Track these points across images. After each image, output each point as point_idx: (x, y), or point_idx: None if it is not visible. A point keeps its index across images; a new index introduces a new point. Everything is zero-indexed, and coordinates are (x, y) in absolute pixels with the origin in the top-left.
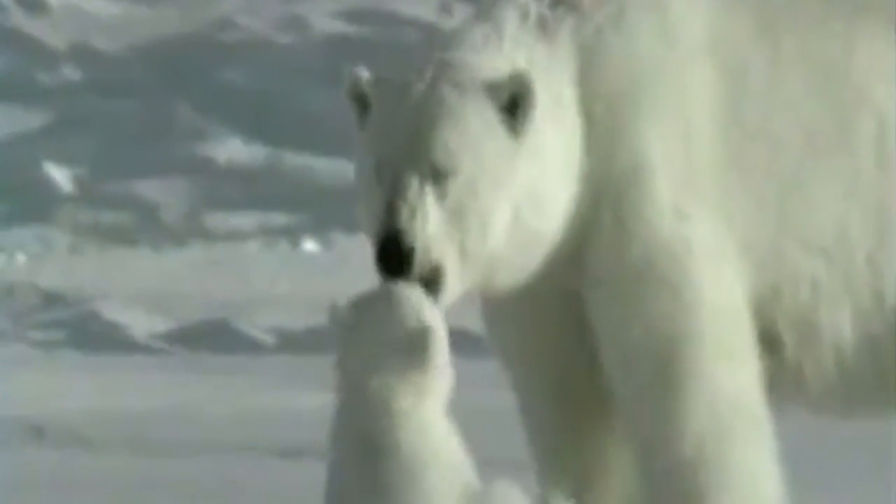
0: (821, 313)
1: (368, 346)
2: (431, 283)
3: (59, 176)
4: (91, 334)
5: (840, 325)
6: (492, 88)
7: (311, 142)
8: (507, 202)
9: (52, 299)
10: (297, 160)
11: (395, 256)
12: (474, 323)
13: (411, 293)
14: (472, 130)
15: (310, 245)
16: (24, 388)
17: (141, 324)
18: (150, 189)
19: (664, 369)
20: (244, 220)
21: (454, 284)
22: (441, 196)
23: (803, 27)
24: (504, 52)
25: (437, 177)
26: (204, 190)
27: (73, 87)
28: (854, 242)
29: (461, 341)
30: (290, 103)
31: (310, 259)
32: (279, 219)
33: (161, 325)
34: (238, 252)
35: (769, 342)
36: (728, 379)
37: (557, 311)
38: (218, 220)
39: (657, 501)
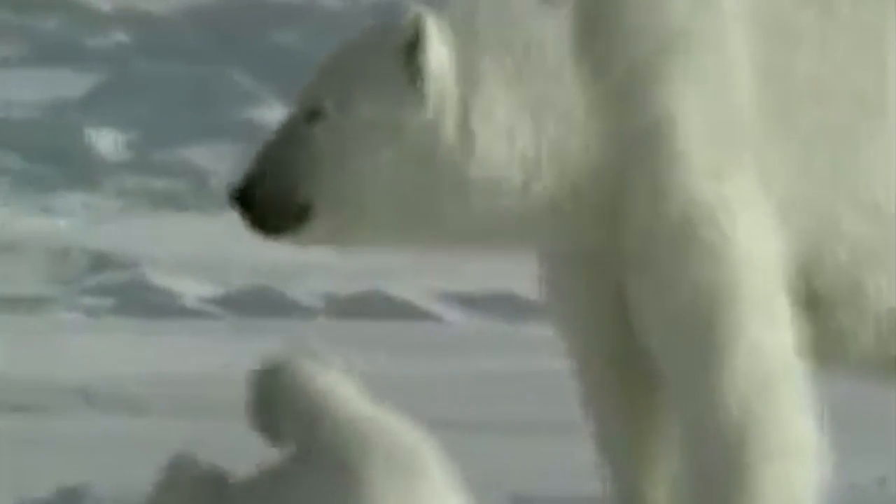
0: (864, 275)
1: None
2: (289, 223)
3: (108, 141)
4: (140, 299)
5: (883, 287)
6: (392, 31)
7: None
8: (389, 152)
9: (101, 264)
10: None
11: (244, 198)
12: (522, 286)
13: (303, 369)
14: (352, 73)
15: None
16: (74, 354)
17: (190, 289)
18: (199, 155)
19: (706, 331)
20: None
21: (324, 230)
22: (310, 137)
23: None
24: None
25: (309, 117)
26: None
27: (122, 51)
28: None
29: (507, 305)
30: None
31: None
32: None
33: (210, 290)
34: None
35: (811, 303)
36: (769, 337)
37: (605, 275)
38: None
39: (701, 465)
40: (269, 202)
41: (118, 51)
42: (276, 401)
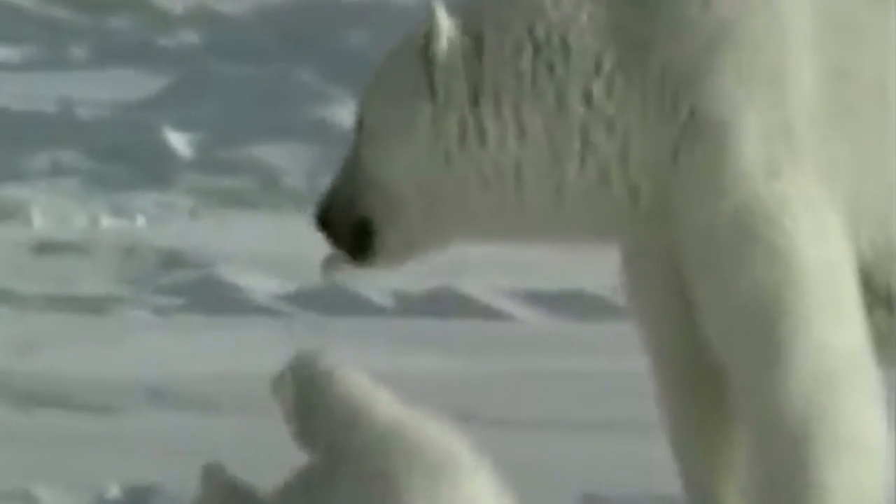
0: None
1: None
2: (362, 241)
3: (179, 141)
4: (211, 297)
5: None
6: (418, 29)
7: None
8: (409, 150)
9: (171, 262)
10: None
11: (320, 221)
12: (593, 284)
13: (338, 372)
14: (380, 77)
15: None
16: (145, 352)
17: (261, 286)
18: (270, 153)
19: (769, 330)
20: None
21: (390, 242)
22: (356, 149)
23: None
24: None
25: (357, 130)
26: (324, 154)
27: (193, 51)
28: None
29: (578, 303)
30: None
31: None
32: None
33: (281, 287)
34: None
35: (883, 300)
36: (834, 333)
37: (674, 272)
38: None
39: (768, 464)
40: (337, 221)
41: (189, 51)
42: (311, 405)
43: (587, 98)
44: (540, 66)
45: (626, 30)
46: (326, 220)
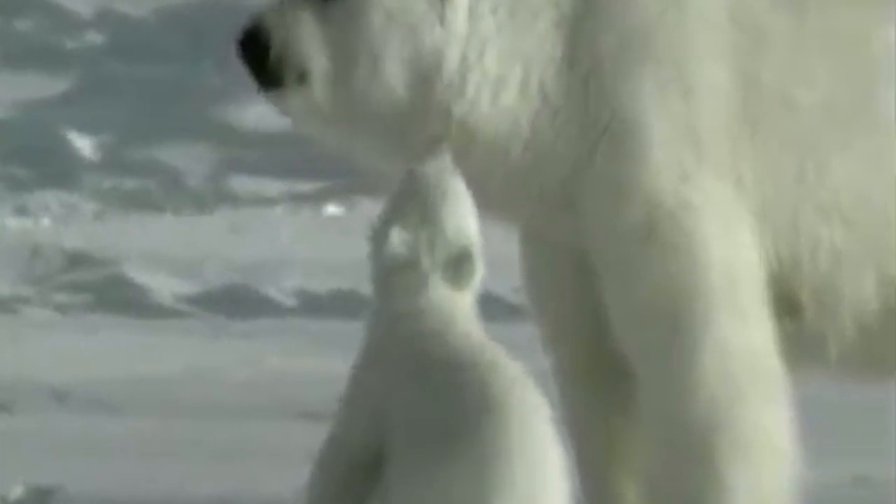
0: (842, 280)
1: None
2: (294, 82)
3: (83, 142)
4: (116, 297)
5: (862, 291)
6: None
7: None
8: (395, 50)
9: (76, 262)
10: None
11: (251, 43)
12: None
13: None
14: None
15: (333, 209)
16: (49, 352)
17: (166, 287)
18: (173, 154)
19: (671, 330)
20: (268, 184)
21: (312, 95)
22: (324, 17)
23: (830, 0)
24: None
25: None
26: (228, 155)
27: (98, 52)
28: (875, 208)
29: (479, 305)
30: None
31: (333, 223)
32: (303, 183)
33: (186, 288)
34: (262, 216)
35: (789, 308)
36: (740, 337)
37: (575, 268)
38: (242, 184)
39: (671, 462)
40: (273, 57)
41: (93, 52)
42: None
43: (542, 86)
44: (518, 33)
45: (573, 25)
46: (254, 46)
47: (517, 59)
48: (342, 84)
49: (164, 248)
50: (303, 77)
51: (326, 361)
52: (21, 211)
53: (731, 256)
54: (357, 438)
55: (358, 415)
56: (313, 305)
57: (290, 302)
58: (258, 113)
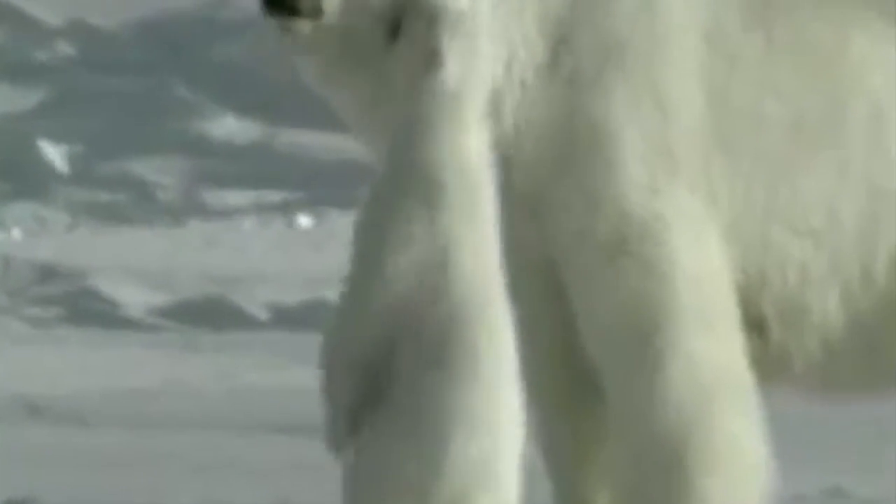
0: (809, 296)
1: None
2: (306, 15)
3: (55, 154)
4: (87, 310)
5: (828, 307)
6: None
7: (305, 118)
8: None
9: (47, 274)
10: (291, 137)
11: None
12: None
13: None
14: None
15: (304, 221)
16: (19, 365)
17: (137, 300)
18: (145, 167)
19: (641, 343)
20: (239, 196)
21: (322, 33)
22: None
23: (797, 14)
24: None
25: None
26: (199, 167)
27: (69, 65)
28: (844, 225)
29: None
30: (285, 80)
31: (304, 235)
32: (274, 195)
33: (157, 300)
34: (233, 228)
35: (755, 324)
36: (709, 350)
37: (544, 279)
38: (213, 197)
39: (642, 476)
40: None
41: (65, 64)
42: None
43: (523, 83)
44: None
45: (556, 27)
46: None
47: (503, 45)
48: (353, 22)
49: (135, 261)
50: (317, 10)
51: (297, 374)
52: None
53: (701, 270)
54: None
55: None
56: (285, 317)
57: (263, 315)
58: (229, 126)
